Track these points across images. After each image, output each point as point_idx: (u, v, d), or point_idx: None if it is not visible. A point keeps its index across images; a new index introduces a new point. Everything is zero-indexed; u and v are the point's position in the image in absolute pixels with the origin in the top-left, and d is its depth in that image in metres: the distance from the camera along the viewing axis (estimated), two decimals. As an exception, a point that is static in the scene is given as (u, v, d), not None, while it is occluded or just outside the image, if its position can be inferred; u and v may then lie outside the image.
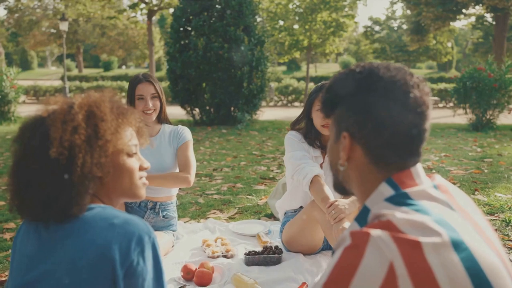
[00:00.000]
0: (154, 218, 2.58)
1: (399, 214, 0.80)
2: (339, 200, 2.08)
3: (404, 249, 0.75)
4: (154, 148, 2.53)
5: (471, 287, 0.76)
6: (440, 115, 13.75)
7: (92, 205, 1.06)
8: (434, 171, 4.73)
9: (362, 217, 0.90)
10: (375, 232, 0.77)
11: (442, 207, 0.86)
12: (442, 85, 19.14)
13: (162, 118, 2.61)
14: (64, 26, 20.97)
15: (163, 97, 2.58)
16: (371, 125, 0.88)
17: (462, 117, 9.78)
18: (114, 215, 1.05)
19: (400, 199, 0.86)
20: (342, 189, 1.02)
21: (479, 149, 6.37)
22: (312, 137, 2.46)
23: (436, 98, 17.41)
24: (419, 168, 0.92)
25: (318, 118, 2.38)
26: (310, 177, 2.25)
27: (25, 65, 47.73)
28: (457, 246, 0.78)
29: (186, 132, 2.64)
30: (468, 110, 9.04)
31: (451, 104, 16.36)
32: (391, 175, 0.89)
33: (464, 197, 0.95)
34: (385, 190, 0.89)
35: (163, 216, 2.61)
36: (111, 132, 1.07)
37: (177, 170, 2.59)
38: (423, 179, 0.91)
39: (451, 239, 0.78)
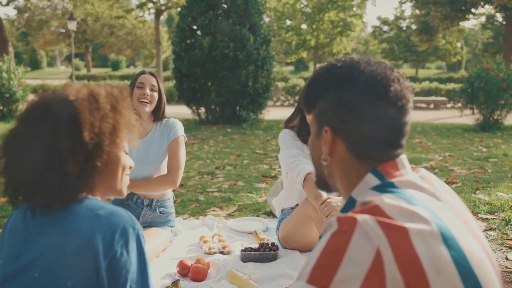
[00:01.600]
0: (151, 214, 2.59)
1: (387, 200, 0.80)
2: (331, 197, 2.07)
3: (390, 235, 0.75)
4: (142, 147, 2.49)
5: (458, 277, 0.77)
6: (447, 116, 13.65)
7: (80, 196, 1.08)
8: (437, 170, 4.70)
9: (348, 209, 0.91)
10: (361, 217, 0.77)
11: (428, 197, 0.86)
12: (451, 86, 18.98)
13: (159, 116, 2.59)
14: (72, 26, 21.17)
15: (163, 95, 2.58)
16: (352, 119, 0.89)
17: (469, 117, 9.69)
18: (100, 206, 1.07)
19: (386, 188, 0.86)
20: (324, 184, 1.03)
21: (484, 149, 6.31)
22: (305, 135, 2.45)
23: (444, 98, 17.27)
24: (403, 159, 0.93)
25: None
26: (303, 175, 2.25)
27: (35, 65, 48.22)
28: (445, 236, 0.78)
29: (178, 126, 2.59)
30: (475, 110, 8.97)
31: (459, 105, 16.24)
32: (376, 166, 0.90)
33: (448, 190, 0.95)
34: (371, 180, 0.89)
35: (160, 212, 2.61)
36: (123, 128, 1.13)
37: (165, 166, 2.58)
38: (408, 170, 0.92)
39: (439, 229, 0.78)
